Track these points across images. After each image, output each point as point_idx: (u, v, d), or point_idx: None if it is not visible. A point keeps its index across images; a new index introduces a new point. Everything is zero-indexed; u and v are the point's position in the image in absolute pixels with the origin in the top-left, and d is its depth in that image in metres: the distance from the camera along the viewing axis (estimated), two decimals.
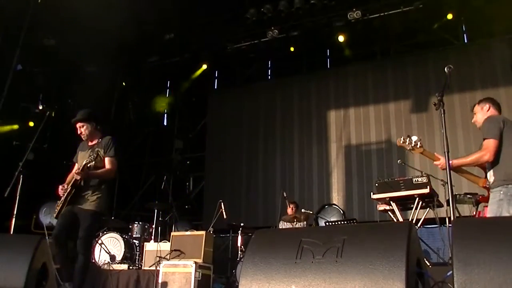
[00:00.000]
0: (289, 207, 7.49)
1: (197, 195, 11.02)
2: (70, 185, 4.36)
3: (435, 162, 3.89)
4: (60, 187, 4.40)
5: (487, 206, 4.54)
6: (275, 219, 8.00)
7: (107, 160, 4.48)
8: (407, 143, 3.96)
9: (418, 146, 3.96)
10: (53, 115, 5.06)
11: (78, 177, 4.29)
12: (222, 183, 10.35)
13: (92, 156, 4.31)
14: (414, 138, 4.00)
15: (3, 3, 7.63)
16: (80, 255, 4.22)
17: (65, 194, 4.34)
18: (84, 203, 4.35)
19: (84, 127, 4.56)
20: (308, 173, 9.78)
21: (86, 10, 7.65)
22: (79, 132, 4.57)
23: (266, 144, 10.37)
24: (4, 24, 7.90)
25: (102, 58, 9.49)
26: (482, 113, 3.96)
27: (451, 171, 3.49)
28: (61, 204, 4.37)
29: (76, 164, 4.62)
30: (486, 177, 3.94)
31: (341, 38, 9.12)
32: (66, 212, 4.32)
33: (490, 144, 3.63)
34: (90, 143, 4.62)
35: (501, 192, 3.52)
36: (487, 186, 3.92)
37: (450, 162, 3.64)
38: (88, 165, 4.30)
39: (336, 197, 9.37)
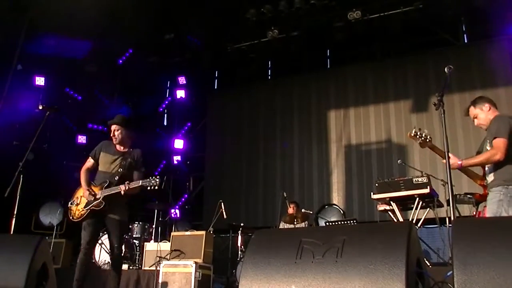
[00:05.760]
0: (290, 207, 7.48)
1: (197, 195, 11.01)
2: (102, 196, 4.46)
3: (443, 160, 3.87)
4: (89, 191, 4.48)
5: (486, 206, 4.54)
6: (275, 219, 8.00)
7: (136, 174, 4.64)
8: (417, 136, 3.95)
9: (427, 141, 3.95)
10: (53, 115, 5.04)
11: (123, 192, 4.42)
12: (222, 183, 10.34)
13: (124, 165, 4.59)
14: (425, 132, 3.97)
15: (3, 3, 7.63)
16: (118, 257, 4.60)
17: (93, 202, 4.46)
18: (114, 212, 4.50)
19: (119, 131, 4.71)
20: (308, 173, 9.77)
21: (85, 11, 7.66)
22: (112, 134, 4.72)
23: (266, 144, 10.35)
24: (4, 24, 7.89)
25: (102, 58, 9.50)
26: (484, 113, 3.88)
27: (452, 169, 3.48)
28: (86, 211, 4.48)
29: (91, 159, 4.71)
30: (483, 176, 3.92)
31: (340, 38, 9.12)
32: (95, 221, 4.49)
33: (500, 143, 3.57)
34: (118, 148, 4.73)
35: (501, 193, 3.50)
36: (485, 184, 3.90)
37: (460, 162, 3.74)
38: (120, 174, 4.54)
39: (336, 197, 9.36)
